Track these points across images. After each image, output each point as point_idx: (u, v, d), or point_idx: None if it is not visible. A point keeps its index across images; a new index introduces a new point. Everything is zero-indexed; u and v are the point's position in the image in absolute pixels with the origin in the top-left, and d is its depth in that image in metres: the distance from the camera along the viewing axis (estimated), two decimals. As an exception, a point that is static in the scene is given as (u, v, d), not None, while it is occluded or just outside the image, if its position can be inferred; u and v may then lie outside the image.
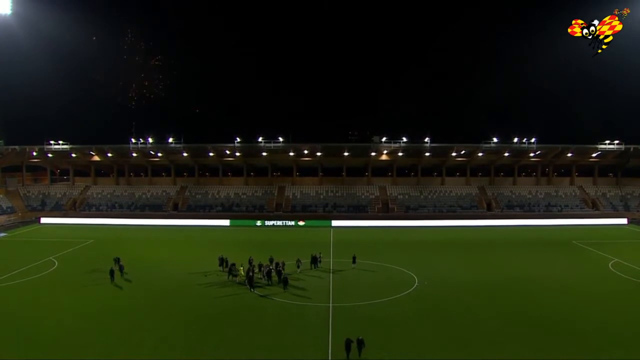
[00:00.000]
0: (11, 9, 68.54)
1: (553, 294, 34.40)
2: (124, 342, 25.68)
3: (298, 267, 40.17)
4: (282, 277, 35.85)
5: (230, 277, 37.52)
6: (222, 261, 40.42)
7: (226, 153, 78.34)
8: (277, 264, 38.51)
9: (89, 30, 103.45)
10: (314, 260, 42.01)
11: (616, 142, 75.05)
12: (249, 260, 39.67)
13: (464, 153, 78.14)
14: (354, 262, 42.52)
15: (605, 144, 75.41)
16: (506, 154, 77.67)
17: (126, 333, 27.10)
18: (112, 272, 37.14)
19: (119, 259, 40.35)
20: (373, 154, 78.36)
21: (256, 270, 37.74)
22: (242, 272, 36.93)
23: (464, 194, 79.62)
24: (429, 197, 79.09)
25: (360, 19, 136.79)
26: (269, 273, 36.87)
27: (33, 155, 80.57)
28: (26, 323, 28.43)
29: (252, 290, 34.68)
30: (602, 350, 24.72)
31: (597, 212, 75.57)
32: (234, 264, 38.95)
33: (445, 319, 29.19)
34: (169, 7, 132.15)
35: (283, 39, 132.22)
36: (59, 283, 37.66)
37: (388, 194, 79.65)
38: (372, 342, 25.52)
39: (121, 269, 38.85)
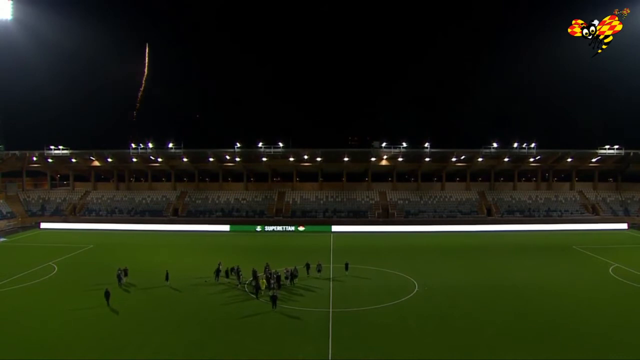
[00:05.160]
0: (12, 15, 69.05)
1: (553, 298, 34.35)
2: (124, 347, 25.61)
3: (288, 277, 38.47)
4: (275, 287, 35.21)
5: (240, 285, 37.43)
6: (227, 272, 39.60)
7: (226, 158, 78.40)
8: (288, 271, 38.68)
9: (90, 36, 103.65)
10: (308, 268, 41.20)
11: (616, 147, 75.19)
12: (265, 268, 39.18)
13: (464, 158, 78.19)
14: (346, 269, 42.29)
15: (605, 149, 75.52)
16: (506, 159, 77.73)
17: (126, 338, 27.04)
18: (107, 294, 32.91)
19: (126, 270, 39.08)
20: (373, 159, 78.39)
21: (263, 275, 37.52)
22: (264, 281, 36.12)
23: (464, 199, 79.61)
24: (429, 202, 79.09)
25: (360, 23, 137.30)
26: (278, 278, 36.67)
27: (33, 160, 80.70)
28: (26, 328, 28.38)
29: (256, 297, 34.38)
30: (602, 354, 24.65)
31: (597, 217, 75.54)
32: (233, 269, 39.14)
33: (445, 324, 29.13)
34: (170, 13, 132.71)
35: (283, 44, 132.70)
36: (58, 288, 37.60)
37: (388, 199, 79.64)
38: (372, 348, 25.53)
39: (120, 279, 37.63)
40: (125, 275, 38.83)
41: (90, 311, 31.31)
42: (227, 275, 39.39)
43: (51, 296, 35.20)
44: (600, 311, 31.62)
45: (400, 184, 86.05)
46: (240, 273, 38.38)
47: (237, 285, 37.55)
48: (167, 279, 38.12)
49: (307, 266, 41.38)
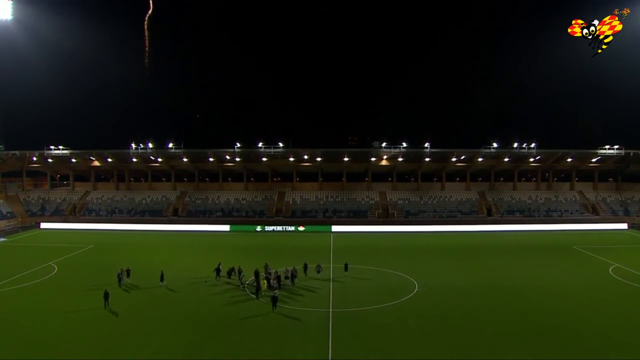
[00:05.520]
0: (12, 15, 69.07)
1: (553, 299, 34.35)
2: (124, 347, 25.62)
3: (289, 277, 38.57)
4: (276, 287, 35.31)
5: (242, 285, 37.42)
6: (229, 272, 39.72)
7: (226, 158, 78.40)
8: (288, 271, 38.75)
9: (90, 36, 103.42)
10: (306, 268, 41.36)
11: (616, 147, 75.26)
12: (265, 267, 39.39)
13: (464, 158, 78.20)
14: (346, 269, 42.16)
15: (605, 149, 75.58)
16: (506, 159, 77.76)
17: (126, 338, 27.04)
18: (106, 296, 32.45)
19: (129, 271, 39.10)
20: (373, 159, 78.40)
21: (267, 276, 37.46)
22: (265, 282, 36.22)
23: (464, 199, 79.61)
24: (429, 202, 79.09)
25: (359, 23, 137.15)
26: (278, 278, 36.73)
27: (33, 160, 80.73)
28: (26, 328, 28.40)
29: (257, 297, 34.38)
30: (602, 354, 24.65)
31: (597, 217, 75.55)
32: (233, 269, 39.30)
33: (445, 324, 29.13)
34: (170, 13, 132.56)
35: (283, 44, 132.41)
36: (58, 288, 37.60)
37: (388, 199, 79.63)
38: (372, 348, 25.54)
39: (120, 279, 37.66)
40: (128, 276, 38.82)
41: (91, 311, 31.30)
42: (229, 276, 39.45)
43: (51, 296, 35.19)
44: (600, 311, 31.62)
45: (400, 184, 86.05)
46: (242, 273, 38.39)
47: (239, 285, 37.55)
48: (162, 279, 38.02)
49: (305, 266, 41.40)
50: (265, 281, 36.20)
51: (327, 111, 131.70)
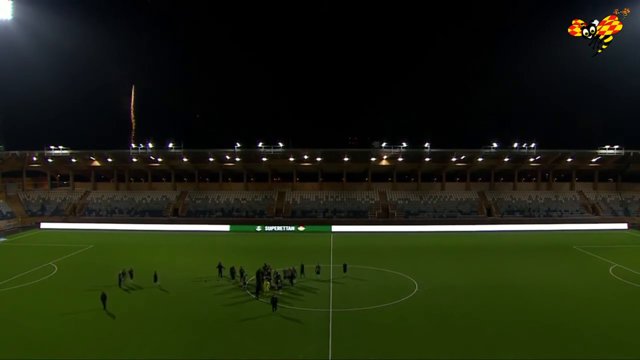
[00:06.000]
0: (12, 15, 69.07)
1: (553, 299, 34.34)
2: (124, 347, 25.63)
3: (288, 277, 38.42)
4: (276, 287, 35.37)
5: (244, 286, 37.31)
6: (232, 273, 39.75)
7: (226, 158, 78.41)
8: (288, 270, 38.69)
9: (90, 36, 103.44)
10: (303, 269, 41.09)
11: (616, 147, 75.30)
12: (265, 267, 39.24)
13: (463, 158, 78.19)
14: (344, 270, 42.01)
15: (605, 149, 75.61)
16: (506, 159, 77.76)
17: (126, 338, 27.05)
18: (104, 298, 31.96)
19: (132, 272, 38.84)
20: (373, 159, 78.40)
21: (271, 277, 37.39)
22: (267, 283, 36.22)
23: (464, 199, 79.60)
24: (429, 202, 79.09)
25: (359, 23, 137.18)
26: (278, 278, 36.76)
27: (33, 160, 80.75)
28: (26, 328, 28.38)
29: (257, 297, 34.37)
30: (602, 354, 24.65)
31: (597, 217, 75.55)
32: (233, 269, 39.31)
33: (445, 324, 29.13)
34: (170, 13, 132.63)
35: (283, 44, 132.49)
36: (58, 288, 37.60)
37: (388, 199, 79.63)
38: (372, 348, 25.54)
39: (120, 280, 37.55)
40: (131, 277, 38.64)
41: (91, 311, 31.29)
42: (232, 276, 39.42)
43: (51, 296, 35.19)
44: (600, 311, 31.62)
45: (400, 184, 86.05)
46: (245, 274, 38.34)
47: (240, 285, 37.52)
48: (155, 280, 37.99)
49: (302, 267, 41.06)
50: (267, 282, 36.17)
51: (327, 111, 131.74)
